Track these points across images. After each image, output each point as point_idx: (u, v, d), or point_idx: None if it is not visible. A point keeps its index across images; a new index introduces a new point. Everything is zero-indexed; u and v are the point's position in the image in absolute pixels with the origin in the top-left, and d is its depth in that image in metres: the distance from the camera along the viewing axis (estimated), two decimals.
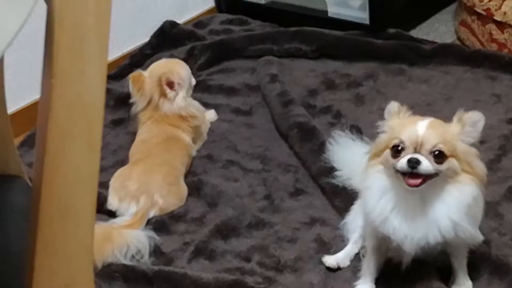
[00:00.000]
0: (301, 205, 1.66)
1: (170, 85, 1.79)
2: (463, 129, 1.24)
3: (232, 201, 1.66)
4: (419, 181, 1.20)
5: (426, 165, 1.20)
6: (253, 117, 2.02)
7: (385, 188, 1.26)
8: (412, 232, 1.25)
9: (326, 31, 2.30)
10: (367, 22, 2.30)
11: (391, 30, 2.28)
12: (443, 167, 1.22)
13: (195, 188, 1.72)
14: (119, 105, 2.04)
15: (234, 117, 2.01)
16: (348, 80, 2.13)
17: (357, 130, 1.78)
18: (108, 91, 1.96)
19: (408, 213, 1.25)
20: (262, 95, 2.09)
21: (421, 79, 2.10)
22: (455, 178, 1.23)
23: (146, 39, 2.40)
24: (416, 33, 2.39)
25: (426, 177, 1.21)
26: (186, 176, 1.75)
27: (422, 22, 2.46)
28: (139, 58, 2.28)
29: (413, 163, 1.20)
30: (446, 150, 1.21)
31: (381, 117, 1.32)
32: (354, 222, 1.48)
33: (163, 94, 1.79)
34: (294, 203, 1.67)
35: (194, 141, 1.85)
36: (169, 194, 1.65)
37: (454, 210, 1.23)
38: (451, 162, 1.22)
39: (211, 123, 1.98)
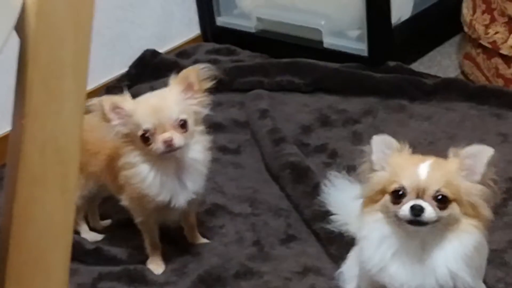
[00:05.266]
0: (293, 252, 1.65)
1: None
2: (461, 165, 1.23)
3: (217, 249, 1.66)
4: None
5: (430, 212, 1.21)
6: (241, 156, 2.03)
7: (384, 236, 1.28)
8: (409, 280, 1.25)
9: (321, 63, 2.31)
10: (366, 54, 2.31)
11: (391, 63, 2.29)
12: (445, 213, 1.23)
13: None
14: None
15: (220, 155, 1.99)
16: (344, 117, 2.14)
17: (354, 171, 1.61)
18: None
19: (407, 260, 1.26)
20: (251, 132, 2.10)
21: (423, 116, 2.11)
22: (456, 225, 1.23)
23: (124, 69, 2.41)
24: (417, 66, 2.41)
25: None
26: None
27: (424, 55, 2.49)
28: (116, 90, 2.17)
29: (417, 210, 1.21)
30: (449, 194, 1.22)
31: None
32: (350, 271, 1.47)
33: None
34: (286, 251, 1.66)
35: None
36: None
37: (452, 260, 1.24)
38: (453, 208, 1.23)
39: None
